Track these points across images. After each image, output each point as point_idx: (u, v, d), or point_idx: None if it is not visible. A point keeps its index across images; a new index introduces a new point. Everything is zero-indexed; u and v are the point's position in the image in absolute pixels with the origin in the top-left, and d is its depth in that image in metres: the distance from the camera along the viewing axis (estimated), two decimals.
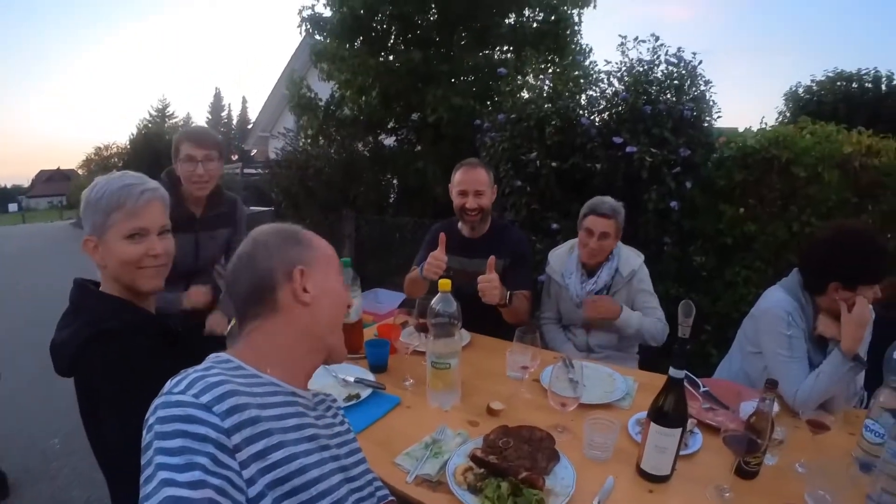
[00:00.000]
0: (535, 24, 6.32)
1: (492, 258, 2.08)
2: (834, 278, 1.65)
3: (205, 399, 0.77)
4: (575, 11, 6.31)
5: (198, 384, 0.79)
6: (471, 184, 2.34)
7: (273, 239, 1.00)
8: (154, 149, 15.28)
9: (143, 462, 0.75)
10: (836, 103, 7.28)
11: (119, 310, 1.26)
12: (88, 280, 1.32)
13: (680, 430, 1.24)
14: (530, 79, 5.59)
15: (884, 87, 7.46)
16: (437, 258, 2.12)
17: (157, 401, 0.80)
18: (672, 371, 1.25)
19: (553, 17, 6.23)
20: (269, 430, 0.82)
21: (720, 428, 1.32)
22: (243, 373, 0.89)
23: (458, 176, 2.39)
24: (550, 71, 5.43)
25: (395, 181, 6.83)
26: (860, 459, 1.36)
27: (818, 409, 1.47)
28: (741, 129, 4.03)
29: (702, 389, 1.75)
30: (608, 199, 2.31)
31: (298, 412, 0.93)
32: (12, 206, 49.21)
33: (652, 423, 1.26)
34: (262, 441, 0.81)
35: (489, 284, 2.04)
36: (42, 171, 64.63)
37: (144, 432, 0.78)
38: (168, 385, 0.82)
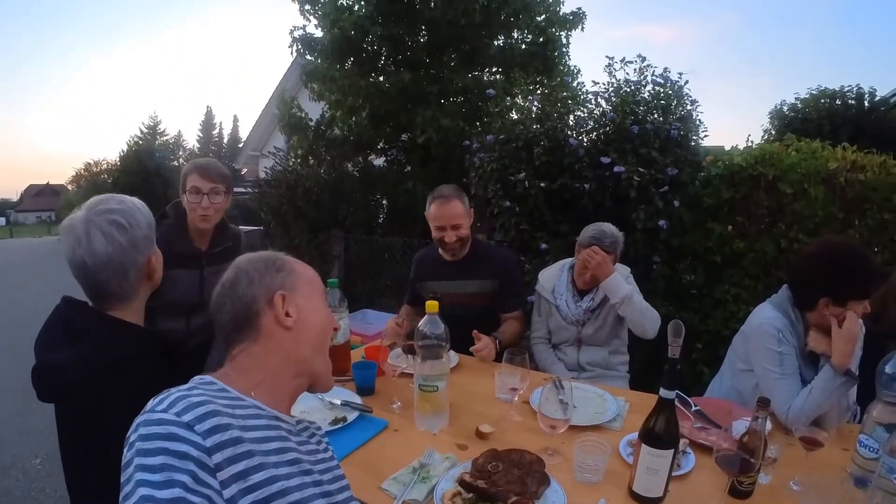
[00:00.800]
0: (523, 46, 6.41)
1: (475, 332, 2.16)
2: (824, 294, 1.65)
3: (187, 418, 0.78)
4: (563, 33, 6.41)
5: (180, 403, 0.80)
6: (447, 219, 2.35)
7: (254, 266, 1.03)
8: (144, 166, 15.24)
9: (122, 479, 0.75)
10: (820, 120, 7.39)
11: (134, 335, 1.27)
12: (80, 300, 1.29)
13: (672, 451, 1.22)
14: (519, 100, 5.65)
15: (866, 103, 7.60)
16: (398, 325, 2.23)
17: (139, 418, 0.80)
18: (662, 392, 1.24)
19: (542, 39, 6.32)
20: (251, 451, 0.82)
21: (713, 448, 1.31)
22: (227, 395, 0.89)
23: (432, 210, 2.38)
24: (539, 92, 5.48)
25: (384, 202, 6.84)
26: (855, 475, 1.35)
27: (811, 426, 1.46)
28: (728, 148, 4.07)
29: (693, 409, 1.73)
30: (609, 231, 2.29)
31: (281, 436, 0.92)
32: (0, 220, 48.82)
33: (643, 445, 1.24)
34: (243, 462, 0.80)
35: (486, 351, 2.13)
36: (31, 186, 64.66)
37: (125, 450, 0.78)
38: (150, 403, 0.82)
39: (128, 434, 0.79)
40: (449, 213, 2.34)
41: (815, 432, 1.40)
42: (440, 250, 2.48)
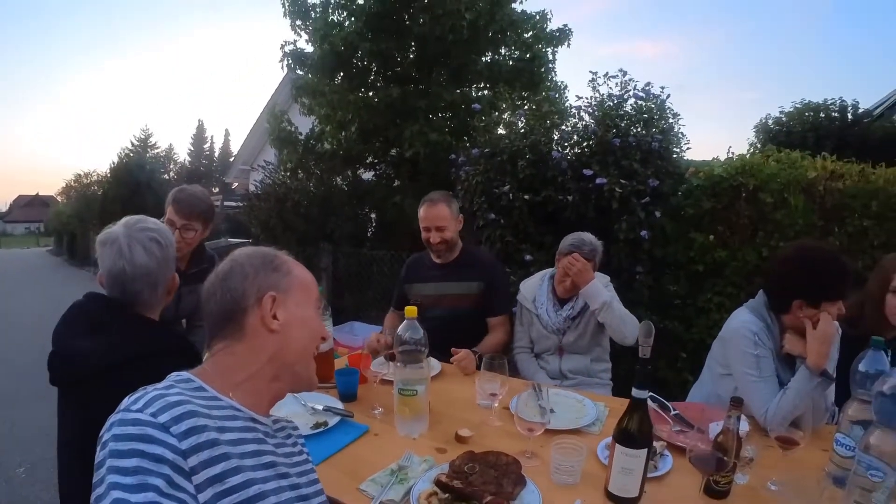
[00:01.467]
0: (510, 63, 6.49)
1: (453, 349, 2.18)
2: (797, 296, 1.68)
3: (163, 418, 0.76)
4: (549, 50, 6.50)
5: (156, 403, 0.78)
6: (432, 220, 2.48)
7: (250, 261, 1.00)
8: (135, 178, 15.20)
9: (94, 480, 0.74)
10: (804, 133, 7.51)
11: (157, 332, 1.41)
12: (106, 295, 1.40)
13: (645, 450, 1.23)
14: (507, 116, 5.72)
15: (849, 115, 7.73)
16: (380, 343, 2.24)
17: (113, 417, 0.78)
18: (635, 392, 1.25)
19: (528, 56, 6.40)
20: (227, 453, 0.81)
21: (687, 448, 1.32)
22: (204, 394, 0.87)
23: (421, 212, 2.52)
24: (526, 107, 5.55)
25: (372, 215, 6.86)
26: (833, 474, 1.36)
27: (790, 427, 1.48)
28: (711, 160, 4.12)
29: (672, 412, 1.74)
30: (588, 239, 2.35)
31: (257, 438, 0.91)
32: None
33: (617, 445, 1.25)
34: (219, 465, 0.79)
35: (465, 361, 2.16)
36: (21, 196, 64.68)
37: (98, 449, 0.76)
38: (126, 402, 0.80)
39: (101, 432, 0.77)
40: (434, 215, 2.48)
41: (792, 432, 1.41)
42: (430, 254, 2.59)
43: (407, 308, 1.68)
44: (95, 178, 18.60)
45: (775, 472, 1.38)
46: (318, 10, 6.18)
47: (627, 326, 2.23)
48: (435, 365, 2.18)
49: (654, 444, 1.36)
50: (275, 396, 1.01)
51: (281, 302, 0.98)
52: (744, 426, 1.45)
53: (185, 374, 0.90)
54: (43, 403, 1.27)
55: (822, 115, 7.82)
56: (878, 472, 1.15)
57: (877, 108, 8.18)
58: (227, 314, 0.96)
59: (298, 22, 6.26)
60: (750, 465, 1.39)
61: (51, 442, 1.32)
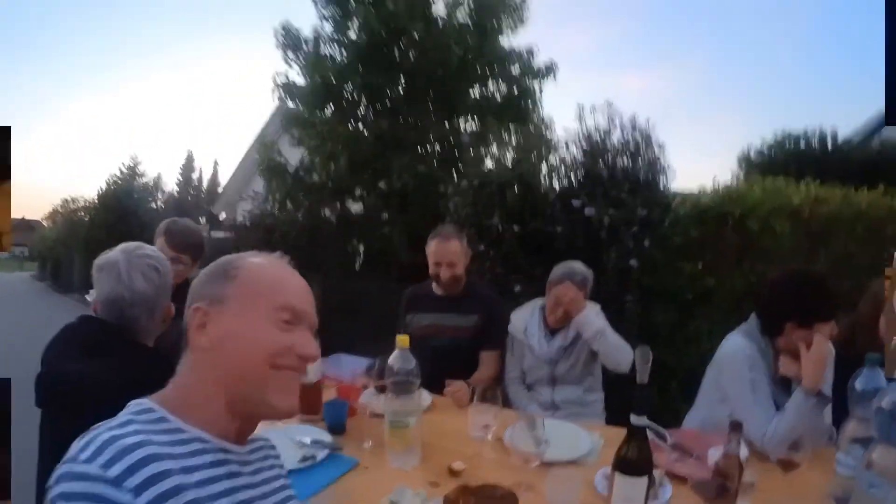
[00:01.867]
0: (498, 99, 6.60)
1: (447, 381, 2.17)
2: (790, 318, 1.69)
3: (114, 471, 0.66)
4: (536, 82, 6.64)
5: (108, 450, 0.68)
6: (443, 256, 2.45)
7: (209, 269, 0.91)
8: (122, 205, 15.16)
9: None
10: (786, 163, 7.62)
11: (154, 359, 1.38)
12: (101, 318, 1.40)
13: (645, 478, 1.20)
14: (494, 148, 5.80)
15: (829, 145, 7.87)
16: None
17: (61, 468, 0.68)
18: (633, 418, 1.23)
19: (516, 91, 6.52)
20: (195, 500, 0.72)
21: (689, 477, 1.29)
22: (166, 426, 0.77)
23: (432, 246, 2.49)
24: (514, 142, 5.64)
25: (361, 247, 6.84)
26: (836, 495, 1.35)
27: (789, 450, 1.46)
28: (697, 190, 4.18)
29: (670, 441, 1.71)
30: (578, 268, 2.35)
31: (230, 473, 0.81)
32: None
33: (617, 474, 1.21)
34: None
35: (459, 393, 2.12)
36: None
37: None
38: (74, 448, 0.70)
39: (48, 483, 0.68)
40: (445, 251, 2.45)
41: (791, 454, 1.40)
42: (433, 285, 2.56)
43: (399, 338, 1.65)
44: (83, 203, 18.54)
45: (777, 496, 1.36)
46: (310, 43, 6.28)
47: (622, 354, 2.22)
48: (426, 397, 2.13)
49: (654, 472, 1.33)
50: (242, 423, 0.86)
51: (215, 314, 0.84)
52: (744, 452, 1.43)
53: (145, 402, 0.80)
54: (19, 429, 1.22)
55: (802, 143, 7.95)
56: (879, 489, 1.14)
57: (856, 134, 8.36)
58: (183, 329, 0.87)
59: (290, 54, 6.36)
60: (751, 490, 1.35)
61: (27, 469, 1.25)
